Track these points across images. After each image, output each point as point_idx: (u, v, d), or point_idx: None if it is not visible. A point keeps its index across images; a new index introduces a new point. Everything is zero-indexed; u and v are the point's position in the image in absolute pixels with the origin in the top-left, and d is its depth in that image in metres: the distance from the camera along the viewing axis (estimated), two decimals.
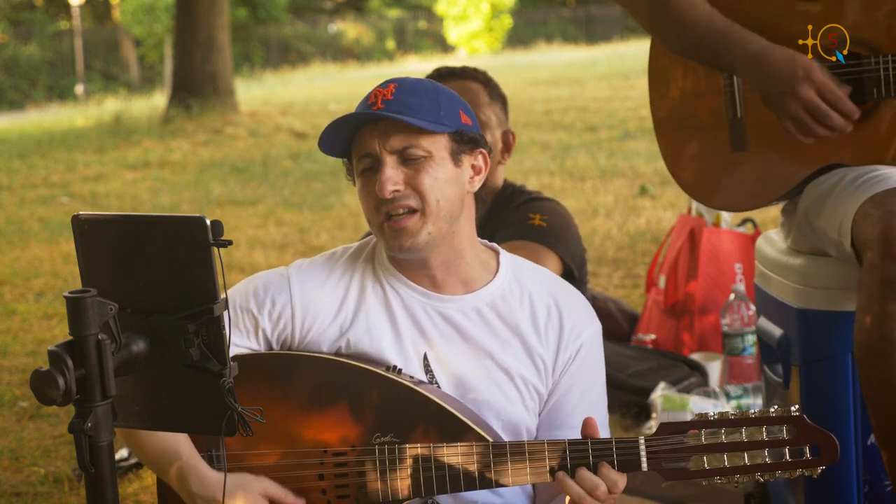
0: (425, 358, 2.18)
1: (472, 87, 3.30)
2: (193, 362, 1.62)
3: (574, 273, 3.27)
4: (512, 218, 3.26)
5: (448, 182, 2.12)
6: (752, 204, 2.69)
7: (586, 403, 2.22)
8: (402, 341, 2.18)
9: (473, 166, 2.18)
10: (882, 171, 2.41)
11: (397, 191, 2.08)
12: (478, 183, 2.20)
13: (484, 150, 2.19)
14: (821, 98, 2.42)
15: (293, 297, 2.18)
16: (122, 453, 3.62)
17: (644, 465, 2.00)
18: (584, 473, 1.99)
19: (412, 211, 2.10)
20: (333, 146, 2.16)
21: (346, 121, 2.11)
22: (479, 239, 2.25)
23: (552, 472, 2.02)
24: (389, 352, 2.17)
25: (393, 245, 2.12)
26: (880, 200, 2.29)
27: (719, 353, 4.13)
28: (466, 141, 2.15)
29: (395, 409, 2.10)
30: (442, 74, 3.34)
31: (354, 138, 2.14)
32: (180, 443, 2.14)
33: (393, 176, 2.08)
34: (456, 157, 2.14)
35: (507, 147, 3.36)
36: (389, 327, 2.19)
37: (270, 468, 2.13)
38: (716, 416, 1.98)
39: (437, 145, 2.11)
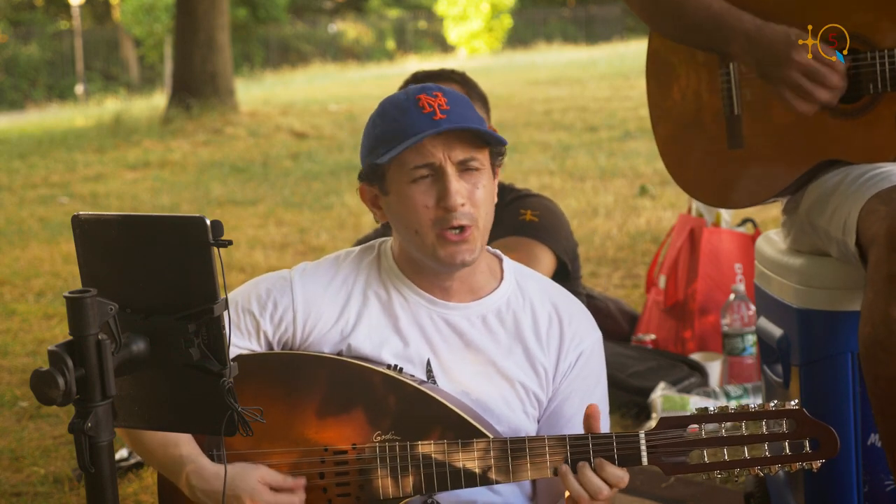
0: (428, 364, 2.18)
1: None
2: (193, 362, 1.62)
3: (568, 267, 3.27)
4: (503, 216, 3.27)
5: (491, 195, 2.13)
6: (749, 201, 2.69)
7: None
8: (405, 346, 2.18)
9: (495, 176, 2.19)
10: (886, 168, 2.41)
11: (463, 203, 2.07)
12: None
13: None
14: (816, 60, 2.43)
15: (295, 300, 2.18)
16: (122, 453, 3.62)
17: (644, 460, 2.01)
18: (589, 475, 2.00)
19: (469, 225, 2.08)
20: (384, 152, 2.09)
21: (422, 134, 2.04)
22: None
23: (554, 468, 2.02)
24: (391, 357, 2.17)
25: (452, 258, 2.09)
26: (887, 196, 2.28)
27: (719, 353, 4.13)
28: (501, 153, 2.15)
29: (408, 413, 2.10)
30: (418, 79, 3.33)
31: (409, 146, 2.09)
32: (180, 437, 2.14)
33: (460, 188, 2.07)
34: (494, 170, 2.15)
35: None
36: (392, 332, 2.19)
37: (271, 467, 2.13)
38: (716, 411, 1.98)
39: (486, 158, 2.11)
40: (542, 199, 3.37)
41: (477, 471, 2.06)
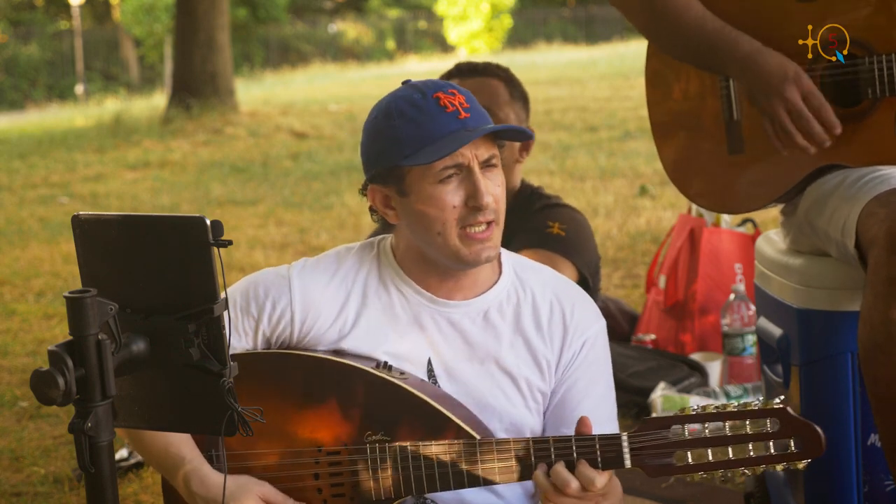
0: (429, 363, 2.18)
1: (492, 84, 3.28)
2: (193, 362, 1.62)
3: (588, 282, 3.27)
4: (530, 224, 3.25)
5: (504, 190, 2.14)
6: (749, 206, 2.69)
7: (591, 399, 2.21)
8: (404, 346, 2.17)
9: None
10: (884, 171, 2.41)
11: (490, 201, 2.09)
12: None
13: None
14: (805, 103, 2.43)
15: (293, 299, 2.17)
16: (122, 453, 3.62)
17: (627, 462, 1.97)
18: (558, 469, 1.98)
19: (493, 221, 2.10)
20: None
21: (460, 138, 2.04)
22: None
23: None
24: (390, 357, 2.17)
25: (477, 256, 2.09)
26: (886, 199, 2.29)
27: (719, 353, 4.13)
28: (502, 146, 2.17)
29: (380, 405, 2.09)
30: (462, 71, 3.32)
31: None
32: (183, 443, 2.14)
33: (488, 186, 2.08)
34: (500, 165, 2.16)
35: (526, 147, 3.33)
36: (392, 332, 2.18)
37: (267, 468, 2.13)
38: (698, 411, 1.95)
39: (498, 154, 2.13)
40: (569, 211, 3.35)
41: (463, 471, 2.04)
